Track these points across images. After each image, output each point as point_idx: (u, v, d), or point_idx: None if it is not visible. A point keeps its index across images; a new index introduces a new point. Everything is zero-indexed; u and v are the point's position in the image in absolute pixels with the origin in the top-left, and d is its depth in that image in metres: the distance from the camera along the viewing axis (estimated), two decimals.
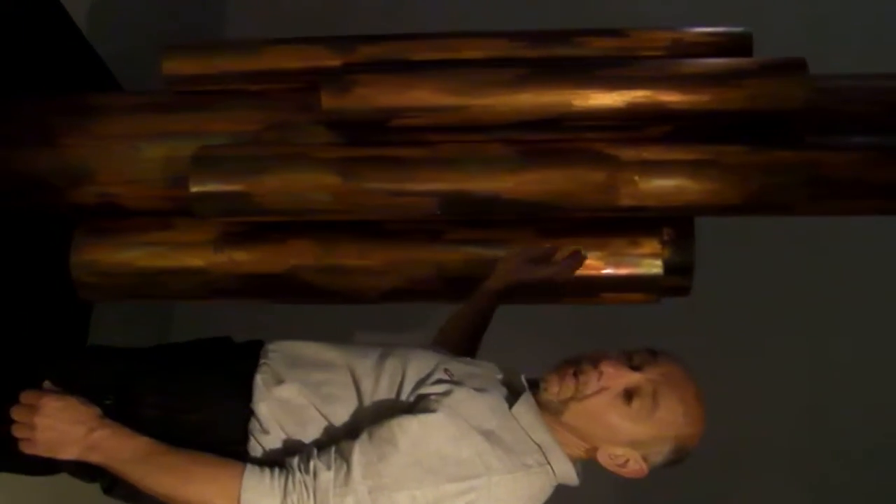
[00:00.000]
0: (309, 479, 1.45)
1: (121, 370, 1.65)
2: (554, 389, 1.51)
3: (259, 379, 1.59)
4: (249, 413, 1.57)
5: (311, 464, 1.47)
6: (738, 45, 2.00)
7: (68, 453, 1.51)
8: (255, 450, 1.55)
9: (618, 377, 1.48)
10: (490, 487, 1.45)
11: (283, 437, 1.56)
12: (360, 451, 1.45)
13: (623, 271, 2.01)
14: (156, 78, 2.17)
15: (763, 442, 3.02)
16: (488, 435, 1.49)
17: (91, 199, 2.13)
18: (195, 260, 2.10)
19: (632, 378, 1.48)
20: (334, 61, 2.03)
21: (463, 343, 1.82)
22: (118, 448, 1.50)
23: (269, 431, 1.56)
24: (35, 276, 2.19)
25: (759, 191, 1.84)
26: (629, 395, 1.47)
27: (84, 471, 1.57)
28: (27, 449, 1.50)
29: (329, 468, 1.45)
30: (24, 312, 2.15)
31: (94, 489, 1.62)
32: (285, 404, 1.58)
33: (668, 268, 2.03)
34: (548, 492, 1.56)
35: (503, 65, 1.95)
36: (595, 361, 1.49)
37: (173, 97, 2.13)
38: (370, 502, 1.42)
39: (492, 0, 2.91)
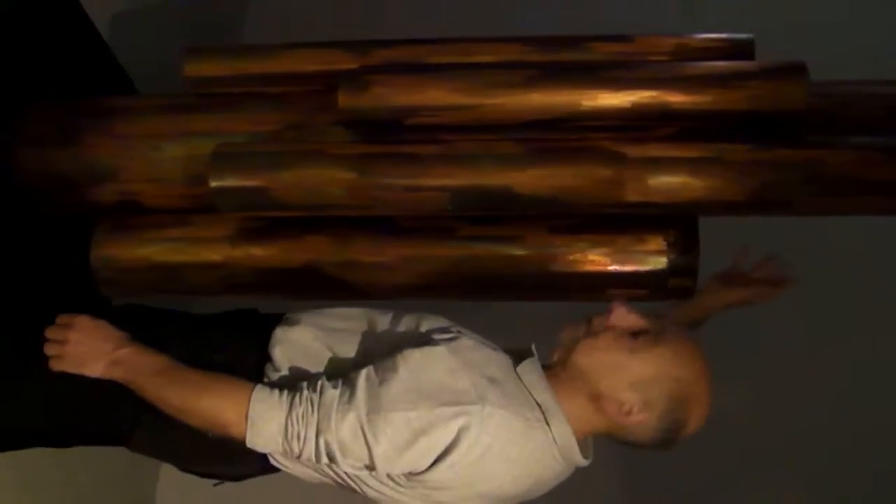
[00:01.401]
0: (315, 395, 1.52)
1: (147, 321, 1.73)
2: (568, 332, 1.59)
3: (278, 329, 1.66)
4: (266, 357, 1.64)
5: (319, 383, 1.54)
6: (740, 51, 2.08)
7: (94, 368, 1.59)
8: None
9: (626, 319, 1.56)
10: (483, 417, 1.49)
11: (295, 375, 1.62)
12: (364, 377, 1.52)
13: (629, 268, 2.07)
14: (174, 84, 2.24)
15: (763, 442, 3.04)
16: (489, 378, 1.54)
17: (112, 197, 2.20)
18: (213, 255, 2.16)
19: (639, 321, 1.56)
20: (351, 64, 2.11)
21: None
22: (140, 363, 1.59)
23: (282, 370, 1.63)
24: (56, 275, 2.25)
25: (761, 188, 1.90)
26: (635, 334, 1.54)
27: (100, 429, 1.64)
28: (56, 365, 1.59)
29: (335, 388, 1.52)
30: (44, 311, 2.21)
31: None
32: (298, 346, 1.66)
33: (673, 269, 2.08)
34: (551, 463, 1.58)
35: (514, 67, 2.02)
36: (608, 308, 1.58)
37: (194, 98, 2.20)
38: (368, 422, 1.48)
39: (503, 11, 3.00)
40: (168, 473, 3.09)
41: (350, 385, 1.53)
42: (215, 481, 1.84)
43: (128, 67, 2.53)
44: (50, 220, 2.27)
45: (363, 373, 1.53)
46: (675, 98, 1.93)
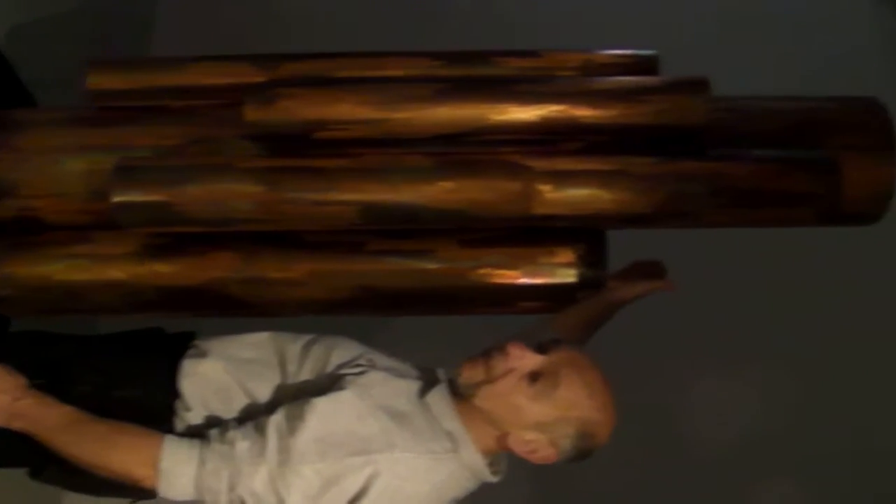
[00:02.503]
0: (226, 448, 1.50)
1: (52, 352, 1.69)
2: (466, 373, 1.57)
3: (187, 361, 1.63)
4: (175, 391, 1.61)
5: (229, 434, 1.52)
6: (645, 66, 2.11)
7: None
8: (179, 427, 1.58)
9: (523, 359, 1.55)
10: (392, 463, 1.50)
11: (206, 413, 1.61)
12: (274, 427, 1.51)
13: (538, 281, 2.07)
14: (76, 97, 2.18)
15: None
16: (396, 416, 1.55)
17: (11, 213, 2.12)
18: (116, 272, 2.10)
19: (536, 360, 1.55)
20: (258, 77, 2.08)
21: (577, 330, 1.94)
22: (43, 416, 1.54)
23: (192, 408, 1.61)
24: None
25: (667, 200, 1.93)
26: (534, 376, 1.54)
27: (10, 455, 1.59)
28: None
29: (245, 439, 1.50)
30: None
31: None
32: (208, 381, 1.63)
33: (582, 282, 2.09)
34: (463, 484, 1.60)
35: (423, 81, 2.02)
36: (503, 348, 1.57)
37: (96, 112, 2.15)
38: (279, 475, 1.48)
39: (413, 26, 3.01)
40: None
41: (260, 435, 1.52)
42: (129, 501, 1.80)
43: (27, 80, 2.47)
44: None
45: (273, 422, 1.53)
46: (583, 112, 1.95)
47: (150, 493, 1.75)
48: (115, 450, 1.52)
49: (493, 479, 1.63)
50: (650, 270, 2.06)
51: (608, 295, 2.02)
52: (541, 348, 1.57)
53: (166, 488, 1.51)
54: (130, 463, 1.52)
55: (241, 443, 1.50)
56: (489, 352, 1.59)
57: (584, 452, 1.58)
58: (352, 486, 1.49)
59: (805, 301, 3.13)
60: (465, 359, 1.61)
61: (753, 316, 3.11)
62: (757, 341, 3.11)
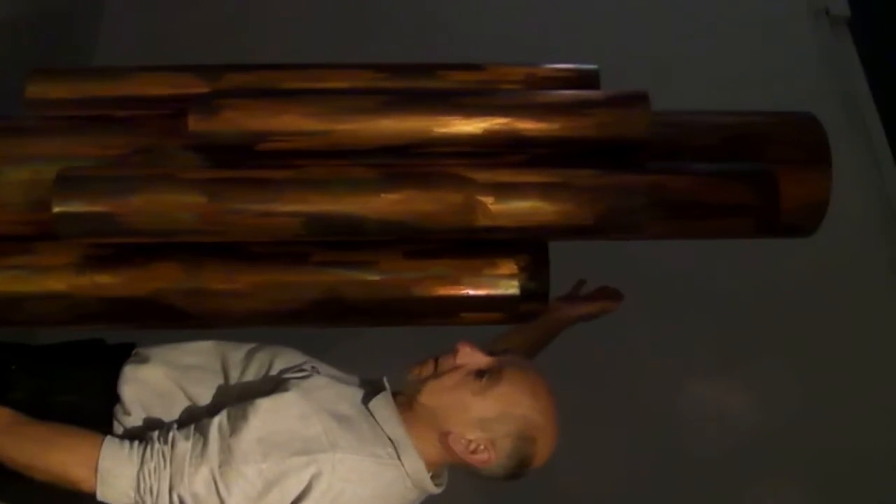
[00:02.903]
0: (167, 448, 1.49)
1: None
2: (415, 371, 1.61)
3: (128, 366, 1.62)
4: (115, 396, 1.60)
5: (171, 435, 1.51)
6: (586, 80, 2.14)
7: None
8: (119, 432, 1.57)
9: (472, 357, 1.61)
10: (334, 463, 1.50)
11: (146, 417, 1.59)
12: (217, 427, 1.50)
13: (481, 292, 2.08)
14: (16, 107, 2.16)
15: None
16: (340, 419, 1.55)
17: None
18: (57, 284, 2.06)
19: (484, 359, 1.62)
20: (202, 88, 2.07)
21: (520, 351, 1.97)
22: None
23: (132, 413, 1.59)
24: None
25: (609, 212, 1.95)
26: (480, 373, 1.56)
27: None
28: None
29: (187, 440, 1.50)
30: None
31: None
32: (149, 386, 1.62)
33: (524, 293, 2.10)
34: (406, 494, 1.60)
35: (367, 93, 2.03)
36: (454, 349, 1.63)
37: (37, 121, 2.12)
38: (220, 475, 1.47)
39: (356, 37, 3.02)
40: None
41: (202, 436, 1.52)
42: None
43: None
44: None
45: (215, 423, 1.53)
46: (526, 125, 1.97)
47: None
48: (53, 451, 1.51)
49: (436, 490, 1.64)
50: (603, 293, 2.09)
51: (551, 315, 2.04)
52: (490, 352, 1.64)
53: (105, 490, 1.50)
54: (69, 464, 1.50)
55: (183, 443, 1.50)
56: (439, 354, 1.65)
57: (523, 459, 1.59)
58: (294, 487, 1.49)
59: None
60: (416, 362, 1.66)
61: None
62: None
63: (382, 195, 1.93)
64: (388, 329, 2.18)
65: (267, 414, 1.52)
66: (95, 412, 1.61)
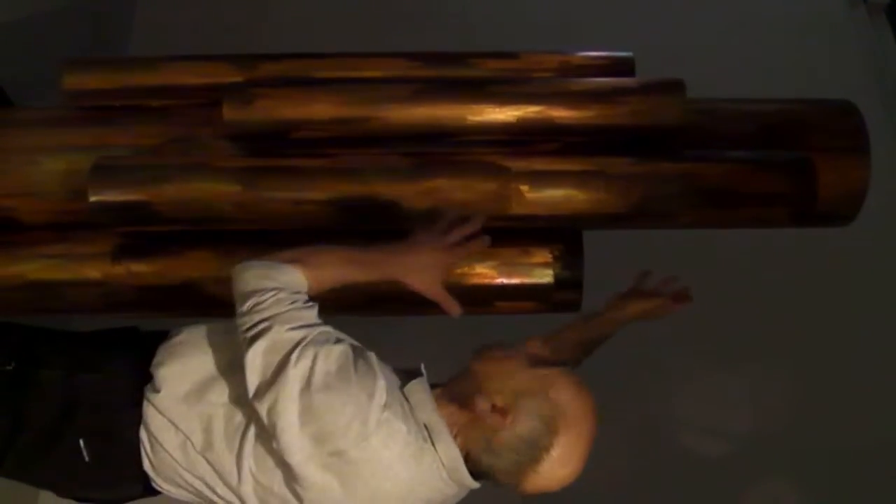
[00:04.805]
0: (287, 302, 1.53)
1: (24, 339, 1.67)
2: (486, 346, 1.62)
3: (162, 345, 1.63)
4: (148, 375, 1.61)
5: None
6: (621, 68, 2.13)
7: None
8: (149, 410, 1.57)
9: (539, 349, 1.61)
10: (380, 419, 1.49)
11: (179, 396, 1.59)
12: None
13: (515, 281, 2.08)
14: (53, 97, 2.18)
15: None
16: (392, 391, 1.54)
17: None
18: (92, 272, 2.09)
19: (548, 354, 1.61)
20: (236, 77, 2.08)
21: (572, 349, 1.97)
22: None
23: (160, 389, 1.59)
24: None
25: (642, 200, 1.94)
26: (537, 360, 1.56)
27: None
28: None
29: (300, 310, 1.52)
30: None
31: None
32: (186, 345, 1.61)
33: (558, 282, 2.10)
34: (442, 488, 1.56)
35: (401, 82, 2.03)
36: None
37: (74, 112, 2.14)
38: (302, 345, 1.48)
39: (389, 26, 3.02)
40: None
41: (317, 326, 1.53)
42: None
43: (3, 80, 2.46)
44: None
45: (328, 327, 1.54)
46: (559, 113, 1.97)
47: (119, 498, 1.76)
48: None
49: (474, 484, 1.59)
50: (667, 286, 2.04)
51: (607, 314, 2.01)
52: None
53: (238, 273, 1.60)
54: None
55: (296, 312, 1.52)
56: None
57: (535, 450, 1.50)
58: (339, 408, 1.47)
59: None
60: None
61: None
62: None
63: (415, 183, 1.93)
64: (423, 319, 2.19)
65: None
66: (130, 390, 1.61)
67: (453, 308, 1.68)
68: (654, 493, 3.01)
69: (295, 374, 1.44)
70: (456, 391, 1.58)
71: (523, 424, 1.50)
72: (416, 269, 1.66)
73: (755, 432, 3.13)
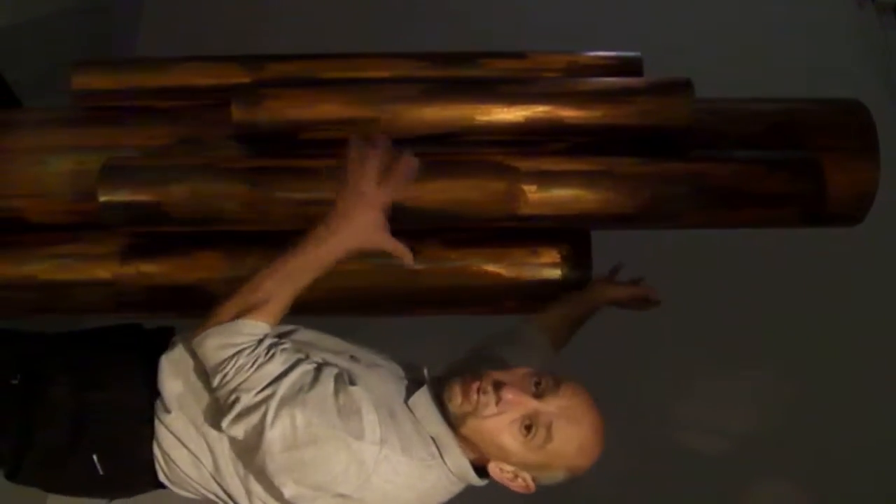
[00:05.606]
0: (261, 360, 1.51)
1: (28, 350, 1.67)
2: (456, 401, 1.54)
3: (164, 357, 1.62)
4: (155, 392, 1.60)
5: (272, 351, 1.53)
6: (629, 68, 2.13)
7: None
8: (160, 429, 1.57)
9: (517, 404, 1.50)
10: (378, 460, 1.47)
11: (186, 416, 1.58)
12: (300, 372, 1.52)
13: (523, 281, 2.08)
14: (62, 97, 2.18)
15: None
16: (392, 414, 1.52)
17: None
18: (102, 272, 2.09)
19: (530, 406, 1.50)
20: (244, 78, 2.09)
21: (558, 329, 1.98)
22: None
23: (171, 410, 1.58)
24: None
25: (650, 200, 1.94)
26: (528, 427, 1.50)
27: None
28: None
29: (272, 368, 1.50)
30: None
31: None
32: (186, 377, 1.60)
33: (566, 282, 2.10)
34: (449, 488, 1.58)
35: (409, 82, 2.03)
36: (498, 386, 1.52)
37: (82, 112, 2.15)
38: (277, 405, 1.46)
39: (397, 26, 3.02)
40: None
41: (284, 376, 1.49)
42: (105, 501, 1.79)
43: (12, 81, 2.46)
44: None
45: (299, 370, 1.51)
46: (567, 113, 1.97)
47: (122, 494, 1.76)
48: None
49: (480, 482, 1.60)
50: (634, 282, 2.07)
51: (590, 293, 2.02)
52: (538, 389, 1.52)
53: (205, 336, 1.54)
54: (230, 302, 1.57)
55: (269, 368, 1.50)
56: (482, 380, 1.54)
57: (557, 484, 1.57)
58: (332, 455, 1.46)
59: (803, 301, 3.15)
60: (456, 380, 1.56)
61: (751, 316, 3.13)
62: (754, 341, 3.13)
63: (423, 183, 1.93)
64: (423, 319, 2.19)
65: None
66: (138, 408, 1.60)
67: (407, 256, 1.61)
68: (654, 493, 3.01)
69: (272, 437, 1.45)
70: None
71: (543, 482, 1.57)
72: (358, 234, 1.56)
73: (755, 432, 3.13)
